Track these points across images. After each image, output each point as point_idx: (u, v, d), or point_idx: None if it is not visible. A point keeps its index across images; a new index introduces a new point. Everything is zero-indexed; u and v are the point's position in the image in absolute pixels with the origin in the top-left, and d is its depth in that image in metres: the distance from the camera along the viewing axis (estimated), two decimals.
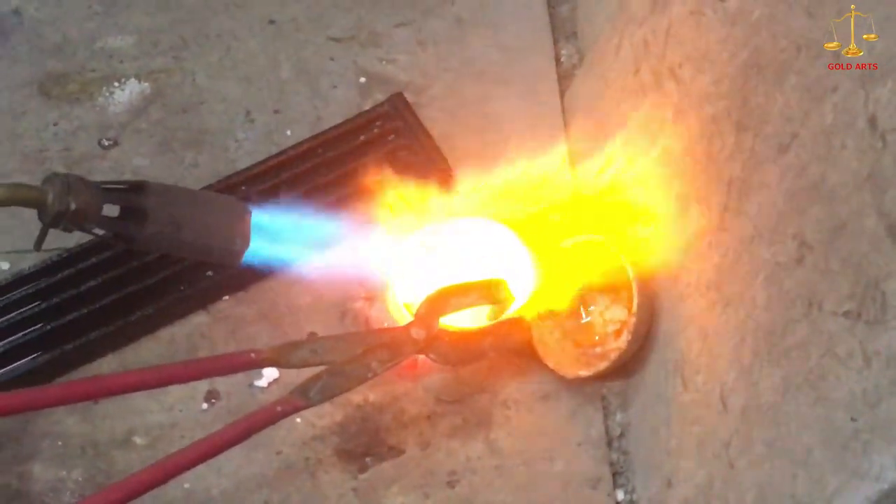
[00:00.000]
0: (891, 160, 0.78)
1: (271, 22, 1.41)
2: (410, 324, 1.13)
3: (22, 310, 1.20)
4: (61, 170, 1.22)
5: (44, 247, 1.05)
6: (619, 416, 1.17)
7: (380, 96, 1.34)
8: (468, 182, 1.26)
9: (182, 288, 1.22)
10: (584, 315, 1.18)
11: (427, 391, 1.18)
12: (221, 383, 1.18)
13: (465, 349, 1.14)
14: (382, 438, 1.16)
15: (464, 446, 1.16)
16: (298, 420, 1.16)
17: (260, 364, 1.11)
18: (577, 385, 1.17)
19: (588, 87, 1.30)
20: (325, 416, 1.16)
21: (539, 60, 1.38)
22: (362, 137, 1.30)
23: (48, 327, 1.19)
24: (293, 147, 1.30)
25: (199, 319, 1.23)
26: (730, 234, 0.98)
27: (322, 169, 1.28)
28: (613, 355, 1.13)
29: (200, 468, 1.08)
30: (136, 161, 1.32)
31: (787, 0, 0.93)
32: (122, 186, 1.07)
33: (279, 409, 1.07)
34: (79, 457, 1.15)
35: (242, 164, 1.30)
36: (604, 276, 1.16)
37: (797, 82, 0.89)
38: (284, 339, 1.16)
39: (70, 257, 1.22)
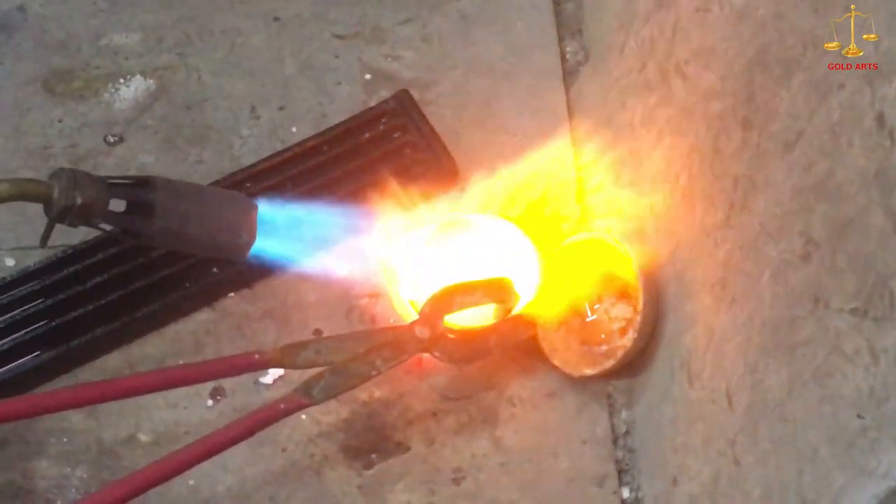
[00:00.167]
0: None
1: (276, 18, 1.41)
2: (415, 322, 1.13)
3: (27, 306, 1.20)
4: (66, 166, 1.22)
5: (49, 243, 1.06)
6: (624, 414, 1.17)
7: (385, 93, 1.34)
8: (474, 179, 1.26)
9: (187, 285, 1.22)
10: (589, 313, 1.18)
11: (433, 388, 1.18)
12: (227, 381, 1.18)
13: (469, 347, 1.14)
14: (388, 435, 1.16)
15: (469, 443, 1.16)
16: (304, 417, 1.16)
17: (264, 365, 1.11)
18: (582, 383, 1.17)
19: (593, 84, 1.30)
20: (330, 413, 1.16)
21: (544, 57, 1.38)
22: (367, 134, 1.30)
23: (53, 324, 1.19)
24: (298, 144, 1.30)
25: (204, 316, 1.23)
26: (736, 231, 0.98)
27: (327, 166, 1.28)
28: (619, 353, 1.13)
29: (206, 465, 1.08)
30: (141, 158, 1.32)
31: None
32: (128, 181, 1.07)
33: (283, 406, 1.07)
34: (84, 454, 1.16)
35: (247, 160, 1.30)
36: (609, 274, 1.16)
37: (804, 79, 0.89)
38: (290, 337, 1.16)
39: (75, 254, 1.22)
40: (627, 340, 1.13)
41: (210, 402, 1.18)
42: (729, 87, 1.00)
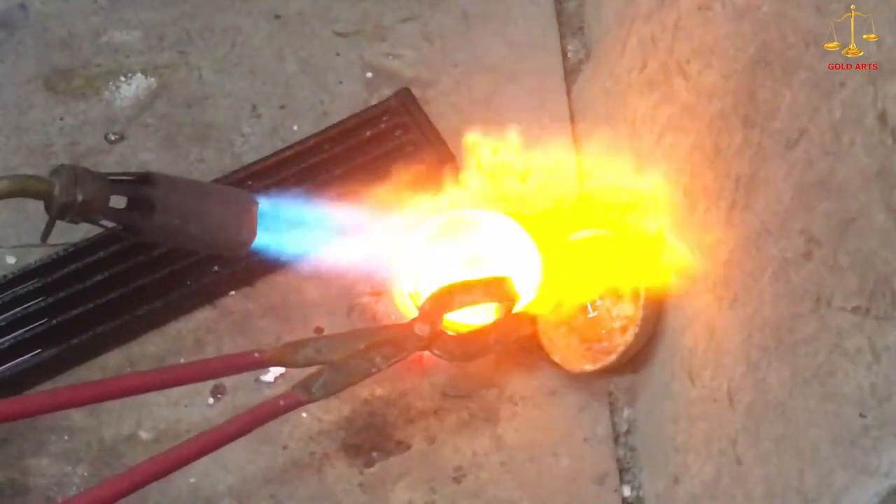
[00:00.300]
0: None
1: (277, 17, 1.41)
2: (414, 320, 1.13)
3: (28, 304, 1.20)
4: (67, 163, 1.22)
5: (50, 241, 1.05)
6: (625, 413, 1.17)
7: (386, 91, 1.34)
8: (474, 176, 1.26)
9: (188, 283, 1.22)
10: (590, 310, 1.18)
11: (434, 386, 1.18)
12: (228, 378, 1.18)
13: (469, 344, 1.14)
14: (389, 433, 1.16)
15: (470, 441, 1.16)
16: (305, 415, 1.16)
17: (264, 364, 1.11)
18: (583, 381, 1.17)
19: (595, 83, 1.30)
20: (331, 411, 1.16)
21: (546, 56, 1.38)
22: (368, 133, 1.30)
23: (54, 322, 1.19)
24: (299, 142, 1.30)
25: (205, 315, 1.23)
26: (737, 229, 0.98)
27: (328, 164, 1.28)
28: (619, 349, 1.13)
29: (207, 463, 1.08)
30: (142, 156, 1.32)
31: None
32: (129, 178, 1.07)
33: (282, 403, 1.07)
34: (85, 452, 1.16)
35: (248, 158, 1.30)
36: (610, 272, 1.16)
37: (805, 78, 0.89)
38: (291, 335, 1.16)
39: (76, 252, 1.22)
40: (628, 337, 1.13)
41: (211, 401, 1.18)
42: (730, 85, 1.00)
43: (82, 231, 1.19)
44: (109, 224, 1.06)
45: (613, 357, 1.13)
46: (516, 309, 1.16)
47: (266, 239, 1.13)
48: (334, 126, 1.31)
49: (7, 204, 1.04)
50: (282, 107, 1.35)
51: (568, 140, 1.29)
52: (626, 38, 1.20)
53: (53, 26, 1.40)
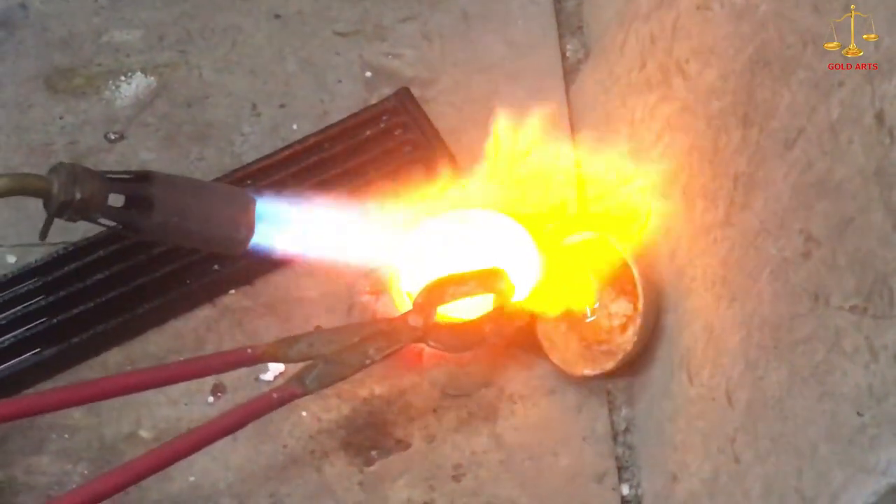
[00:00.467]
0: None
1: (277, 16, 1.41)
2: (408, 312, 1.12)
3: (28, 303, 1.20)
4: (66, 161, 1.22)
5: (49, 240, 1.05)
6: (624, 411, 1.17)
7: (386, 91, 1.34)
8: (474, 176, 1.26)
9: (188, 281, 1.22)
10: (589, 314, 1.18)
11: (433, 385, 1.18)
12: (227, 377, 1.18)
13: (464, 334, 1.14)
14: (389, 432, 1.16)
15: (470, 440, 1.16)
16: (304, 414, 1.16)
17: (256, 360, 1.10)
18: (582, 380, 1.17)
19: (594, 82, 1.30)
20: (331, 409, 1.17)
21: (545, 55, 1.38)
22: (368, 132, 1.30)
23: (54, 321, 1.19)
24: (299, 141, 1.30)
25: (205, 313, 1.23)
26: (736, 228, 0.98)
27: (328, 163, 1.28)
28: (620, 355, 1.13)
29: (206, 462, 1.08)
30: (142, 155, 1.32)
31: None
32: (127, 176, 1.07)
33: (276, 396, 1.07)
34: (85, 450, 1.16)
35: (248, 158, 1.30)
36: (609, 271, 1.16)
37: (804, 77, 0.89)
38: (291, 333, 1.15)
39: (76, 251, 1.22)
40: (628, 341, 1.13)
41: (211, 399, 1.18)
42: (729, 85, 1.00)
43: (82, 230, 1.19)
44: (108, 222, 1.06)
45: (613, 363, 1.13)
46: (514, 302, 1.16)
47: (266, 237, 1.13)
48: (334, 125, 1.31)
49: (7, 202, 1.04)
50: (282, 106, 1.35)
51: (567, 139, 1.29)
52: (625, 37, 1.20)
53: (54, 25, 1.40)
